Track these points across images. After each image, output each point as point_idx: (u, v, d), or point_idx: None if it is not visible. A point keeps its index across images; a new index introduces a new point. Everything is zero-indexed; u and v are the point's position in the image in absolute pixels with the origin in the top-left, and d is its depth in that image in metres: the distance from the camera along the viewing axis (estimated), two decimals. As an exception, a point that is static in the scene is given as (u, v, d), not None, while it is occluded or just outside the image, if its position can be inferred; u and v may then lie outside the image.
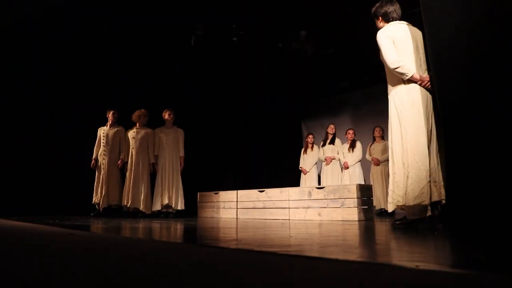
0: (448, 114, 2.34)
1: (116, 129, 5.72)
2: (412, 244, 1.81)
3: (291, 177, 7.07)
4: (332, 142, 6.44)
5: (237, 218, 5.19)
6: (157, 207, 5.46)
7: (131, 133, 5.70)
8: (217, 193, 5.74)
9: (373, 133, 6.31)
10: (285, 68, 7.26)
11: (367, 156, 6.29)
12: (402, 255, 1.46)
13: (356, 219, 4.03)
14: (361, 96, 8.00)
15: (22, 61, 5.80)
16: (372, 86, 7.72)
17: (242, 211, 5.25)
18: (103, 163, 5.59)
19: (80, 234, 2.43)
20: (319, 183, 6.53)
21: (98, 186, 5.56)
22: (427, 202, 2.45)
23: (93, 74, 6.57)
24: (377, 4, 2.92)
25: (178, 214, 5.66)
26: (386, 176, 6.04)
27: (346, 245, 1.72)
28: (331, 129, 6.55)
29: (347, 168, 6.14)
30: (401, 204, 2.54)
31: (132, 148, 5.62)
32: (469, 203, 2.17)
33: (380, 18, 2.89)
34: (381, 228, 2.97)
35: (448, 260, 1.40)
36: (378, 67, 7.55)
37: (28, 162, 5.77)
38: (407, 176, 2.49)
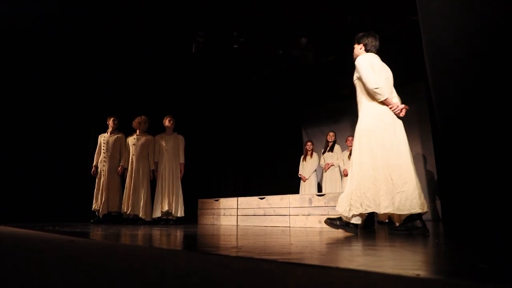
0: (445, 121, 2.35)
1: (116, 136, 5.72)
2: (413, 252, 1.80)
3: (291, 184, 7.07)
4: (332, 149, 6.44)
5: (237, 225, 5.17)
6: (157, 214, 5.44)
7: (131, 140, 5.70)
8: (217, 200, 5.73)
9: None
10: (286, 75, 7.29)
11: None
12: (403, 263, 1.45)
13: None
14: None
15: (23, 67, 5.83)
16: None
17: (243, 218, 5.24)
18: (103, 170, 5.59)
19: (79, 241, 2.42)
20: (319, 191, 6.52)
21: (98, 193, 5.55)
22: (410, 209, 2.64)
23: (94, 81, 6.60)
24: (363, 33, 3.21)
25: (178, 221, 5.64)
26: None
27: (347, 253, 1.71)
28: (330, 136, 6.56)
29: (347, 175, 6.13)
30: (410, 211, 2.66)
31: (133, 154, 5.62)
32: (468, 207, 2.17)
33: (362, 45, 3.18)
34: (382, 235, 2.96)
35: (450, 268, 1.39)
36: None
37: (28, 168, 5.77)
38: (379, 189, 2.72)
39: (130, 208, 5.39)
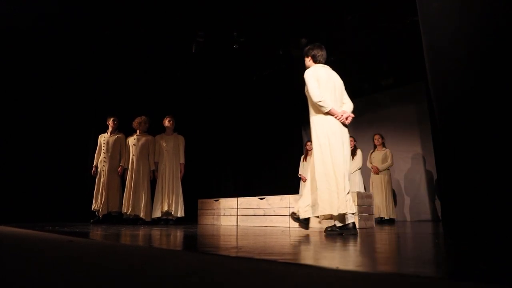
0: (445, 121, 2.35)
1: (116, 136, 5.72)
2: (414, 251, 1.81)
3: (291, 185, 7.07)
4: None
5: (237, 225, 5.17)
6: (157, 214, 5.44)
7: (131, 140, 5.70)
8: (217, 200, 5.73)
9: (373, 140, 6.32)
10: (286, 75, 7.29)
11: (368, 164, 6.29)
12: (403, 263, 1.45)
13: (357, 227, 4.02)
14: (361, 104, 8.01)
15: (23, 67, 5.83)
16: (372, 94, 7.75)
17: (242, 218, 5.24)
18: (103, 170, 5.59)
19: (79, 241, 2.42)
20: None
21: (98, 193, 5.55)
22: (346, 211, 2.91)
23: (94, 81, 6.60)
24: (310, 46, 3.39)
25: (178, 221, 5.64)
26: (386, 184, 6.04)
27: (346, 254, 1.72)
28: None
29: (347, 175, 6.13)
30: (328, 213, 2.97)
31: (133, 155, 5.62)
32: (468, 207, 2.17)
33: (310, 57, 3.36)
34: (382, 236, 2.96)
35: (450, 268, 1.39)
36: (378, 76, 7.59)
37: (28, 168, 5.77)
38: (331, 191, 2.94)
39: (130, 209, 5.39)
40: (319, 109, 3.12)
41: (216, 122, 8.24)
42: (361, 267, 1.30)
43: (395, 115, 7.43)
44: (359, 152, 6.22)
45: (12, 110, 5.75)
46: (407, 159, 7.16)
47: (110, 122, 5.74)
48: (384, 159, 6.10)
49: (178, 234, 3.21)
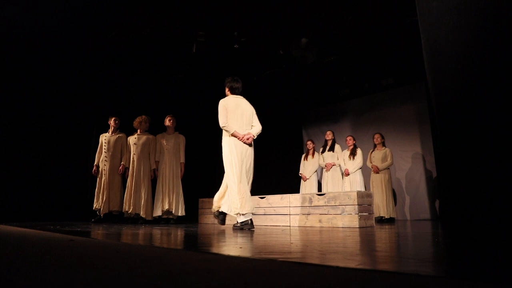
0: (444, 120, 2.36)
1: (117, 135, 5.74)
2: (414, 250, 1.82)
3: (292, 184, 7.07)
4: (332, 148, 6.44)
5: (237, 224, 5.17)
6: (157, 213, 5.45)
7: (132, 139, 5.72)
8: (217, 200, 5.73)
9: (373, 140, 6.34)
10: (286, 75, 7.29)
11: (368, 163, 6.30)
12: (403, 262, 1.46)
13: (357, 226, 4.03)
14: (361, 103, 8.03)
15: (25, 67, 5.84)
16: (373, 93, 7.76)
17: (243, 218, 5.24)
18: (104, 169, 5.60)
19: (80, 240, 2.43)
20: (320, 190, 6.53)
21: (99, 192, 5.57)
22: (250, 211, 3.73)
23: (95, 81, 6.61)
24: (228, 79, 4.21)
25: (178, 220, 5.65)
26: (386, 183, 6.05)
27: (346, 252, 1.72)
28: (327, 135, 6.57)
29: (348, 175, 6.14)
30: (237, 212, 3.72)
31: (133, 154, 5.63)
32: (467, 206, 2.18)
33: (228, 89, 4.21)
34: (381, 235, 2.97)
35: (449, 267, 1.40)
36: (378, 75, 7.61)
37: (30, 168, 5.79)
38: (238, 192, 3.73)
39: (131, 207, 5.41)
40: (226, 132, 3.98)
41: (216, 121, 8.24)
42: (361, 265, 1.31)
43: (395, 114, 7.44)
44: (359, 151, 6.23)
45: (14, 110, 5.77)
46: (407, 159, 7.17)
47: (112, 122, 5.75)
48: (384, 159, 6.11)
49: (178, 233, 3.22)
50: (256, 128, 4.08)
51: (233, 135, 3.93)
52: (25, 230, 3.43)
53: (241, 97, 4.18)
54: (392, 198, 6.05)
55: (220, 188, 4.15)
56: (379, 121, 7.57)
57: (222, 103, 4.08)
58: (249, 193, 3.81)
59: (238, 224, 3.75)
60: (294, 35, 5.87)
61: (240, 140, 3.92)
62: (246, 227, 3.68)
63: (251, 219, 3.74)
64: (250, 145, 3.97)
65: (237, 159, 3.83)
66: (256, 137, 4.04)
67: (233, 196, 3.75)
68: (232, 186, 3.79)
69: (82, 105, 6.51)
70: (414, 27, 5.03)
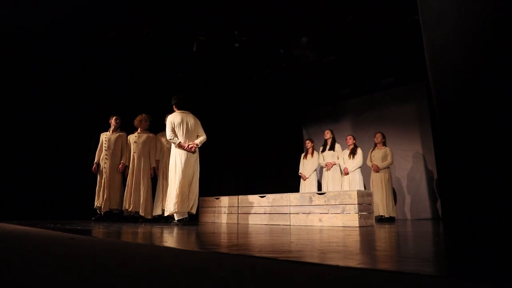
0: (445, 120, 2.35)
1: (118, 134, 5.74)
2: (414, 250, 1.82)
3: (291, 183, 7.08)
4: (332, 147, 6.44)
5: (238, 223, 5.18)
6: (157, 211, 5.45)
7: (132, 138, 5.72)
8: (218, 198, 5.74)
9: (374, 138, 6.34)
10: (287, 74, 7.29)
11: (368, 162, 6.30)
12: (404, 261, 1.46)
13: (357, 225, 4.03)
14: (361, 103, 8.03)
15: (26, 65, 5.83)
16: (373, 93, 7.76)
17: (243, 217, 5.25)
18: (104, 168, 5.60)
19: (81, 238, 2.43)
20: (319, 189, 6.53)
21: (99, 191, 5.57)
22: (185, 210, 4.49)
23: (96, 80, 6.61)
24: (175, 97, 4.91)
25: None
26: (386, 183, 6.05)
27: (346, 251, 1.73)
28: (325, 134, 6.56)
29: (347, 174, 6.14)
30: (174, 211, 4.42)
31: (134, 152, 5.63)
32: (468, 206, 2.18)
33: (174, 106, 4.86)
34: (382, 234, 2.97)
35: (450, 267, 1.41)
36: (378, 74, 7.60)
37: (30, 166, 5.79)
38: (177, 195, 4.41)
39: (131, 206, 5.41)
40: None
41: (216, 120, 8.24)
42: (361, 264, 1.31)
43: (395, 114, 7.44)
44: (359, 150, 6.22)
45: (14, 108, 5.76)
46: (407, 158, 7.17)
47: (113, 121, 5.75)
48: (384, 158, 6.11)
49: (179, 232, 3.22)
50: (201, 138, 4.75)
51: (178, 145, 4.57)
52: (25, 228, 3.44)
53: (187, 112, 4.83)
54: (392, 198, 6.05)
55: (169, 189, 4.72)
56: (379, 121, 7.56)
57: (169, 119, 4.73)
58: (186, 196, 4.48)
59: (175, 221, 4.46)
60: (294, 34, 5.86)
61: (185, 149, 4.56)
62: (184, 224, 4.40)
63: (187, 217, 4.52)
64: (193, 152, 4.62)
65: (181, 167, 4.50)
66: (200, 145, 4.69)
67: (172, 198, 4.43)
68: (172, 189, 4.47)
69: (82, 104, 6.51)
70: (414, 26, 5.02)
